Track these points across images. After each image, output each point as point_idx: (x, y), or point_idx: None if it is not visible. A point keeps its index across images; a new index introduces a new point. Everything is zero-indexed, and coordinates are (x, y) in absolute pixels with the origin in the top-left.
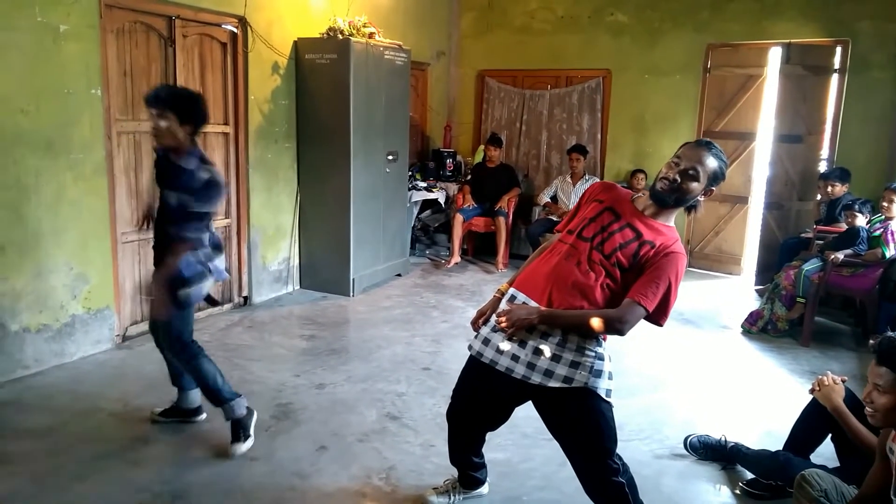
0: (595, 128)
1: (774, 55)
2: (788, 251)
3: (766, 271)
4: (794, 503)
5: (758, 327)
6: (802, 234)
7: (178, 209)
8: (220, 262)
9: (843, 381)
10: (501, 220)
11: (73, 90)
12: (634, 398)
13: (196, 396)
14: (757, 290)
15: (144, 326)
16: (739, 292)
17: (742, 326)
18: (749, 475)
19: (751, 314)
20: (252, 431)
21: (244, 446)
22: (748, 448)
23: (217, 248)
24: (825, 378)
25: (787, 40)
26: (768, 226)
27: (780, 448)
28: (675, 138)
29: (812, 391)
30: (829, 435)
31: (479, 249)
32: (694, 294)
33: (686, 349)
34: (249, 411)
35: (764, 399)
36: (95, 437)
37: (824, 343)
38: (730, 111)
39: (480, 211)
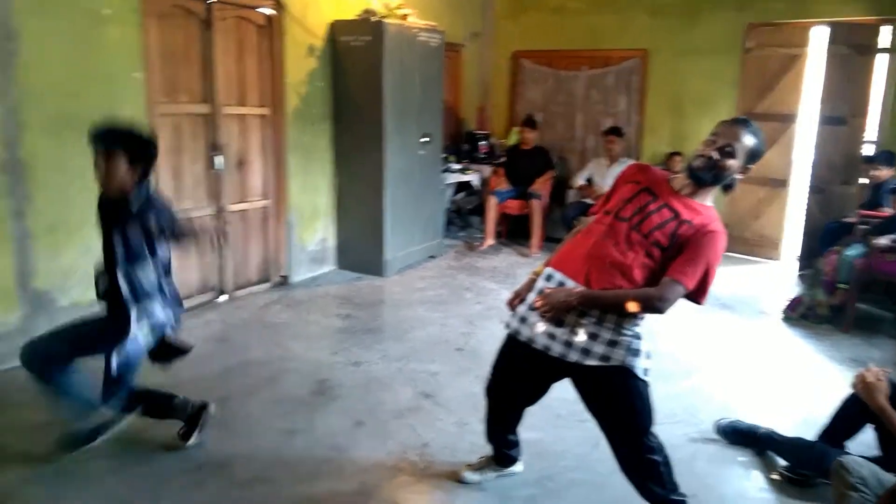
0: (631, 109)
1: (816, 34)
2: (830, 236)
3: (809, 256)
4: (832, 490)
5: (798, 313)
6: (845, 219)
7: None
8: None
9: (887, 374)
10: (535, 202)
11: (116, 74)
12: (669, 383)
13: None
14: (800, 276)
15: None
16: (778, 277)
17: (783, 312)
18: (782, 461)
19: (792, 300)
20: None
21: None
22: (782, 435)
23: None
24: (868, 374)
25: (831, 18)
26: (811, 210)
27: (816, 435)
28: (713, 120)
29: (854, 387)
30: (873, 425)
31: (513, 232)
32: (731, 279)
33: (723, 334)
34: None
35: (802, 386)
36: None
37: (866, 330)
38: (770, 92)
39: (514, 193)
